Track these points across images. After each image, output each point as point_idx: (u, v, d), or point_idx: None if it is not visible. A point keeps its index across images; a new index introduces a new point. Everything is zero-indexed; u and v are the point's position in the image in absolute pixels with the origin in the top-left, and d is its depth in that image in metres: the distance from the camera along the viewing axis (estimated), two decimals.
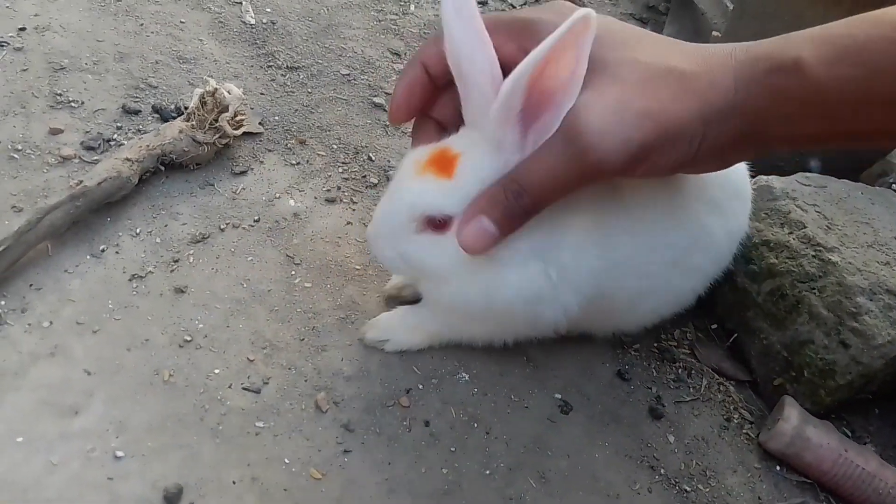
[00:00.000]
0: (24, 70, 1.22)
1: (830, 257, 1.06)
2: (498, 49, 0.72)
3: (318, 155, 1.28)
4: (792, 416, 1.04)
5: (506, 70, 0.70)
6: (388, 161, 1.32)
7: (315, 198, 1.20)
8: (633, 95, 0.69)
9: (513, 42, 0.74)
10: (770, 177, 1.18)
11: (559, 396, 1.03)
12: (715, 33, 1.73)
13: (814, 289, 1.06)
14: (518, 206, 0.75)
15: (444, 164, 0.78)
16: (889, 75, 0.66)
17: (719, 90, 0.70)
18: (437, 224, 0.80)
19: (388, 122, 1.40)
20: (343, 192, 1.23)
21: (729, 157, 0.78)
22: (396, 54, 1.60)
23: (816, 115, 0.70)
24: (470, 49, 0.71)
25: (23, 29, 1.29)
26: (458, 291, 0.85)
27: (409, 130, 1.39)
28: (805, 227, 1.09)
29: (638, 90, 0.69)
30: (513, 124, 0.72)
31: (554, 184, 0.73)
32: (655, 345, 1.15)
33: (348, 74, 1.49)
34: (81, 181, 0.99)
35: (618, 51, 0.71)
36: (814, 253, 1.07)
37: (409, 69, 0.82)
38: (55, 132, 1.13)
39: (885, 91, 0.66)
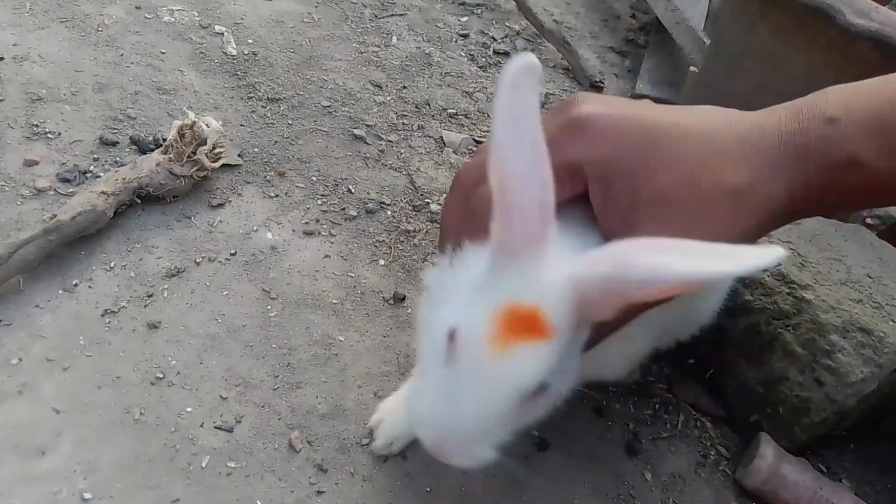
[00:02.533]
0: (1, 100, 1.21)
1: (804, 295, 1.07)
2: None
3: (297, 187, 1.28)
4: (767, 453, 1.04)
5: None
6: (368, 193, 1.32)
7: (293, 230, 1.19)
8: (695, 229, 0.63)
9: (563, 191, 0.66)
10: None
11: (536, 433, 1.03)
12: (692, 68, 1.76)
13: (788, 326, 1.07)
14: None
15: (531, 326, 0.62)
16: None
17: (773, 203, 0.66)
18: (541, 387, 0.65)
19: (367, 155, 1.40)
20: (322, 224, 1.22)
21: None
22: (378, 86, 1.61)
23: (875, 196, 0.69)
24: (521, 166, 0.58)
25: (1, 59, 1.29)
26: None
27: (391, 163, 1.41)
28: (779, 265, 1.10)
29: (698, 222, 0.64)
30: (600, 302, 0.61)
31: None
32: (633, 379, 1.15)
33: (329, 106, 1.49)
34: (55, 215, 0.98)
35: (673, 172, 0.64)
36: (788, 290, 1.08)
37: (452, 200, 0.74)
38: (30, 164, 1.12)
39: None
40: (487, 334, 0.61)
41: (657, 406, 1.13)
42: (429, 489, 0.91)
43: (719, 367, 1.16)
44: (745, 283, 1.12)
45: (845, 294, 1.08)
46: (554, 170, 0.59)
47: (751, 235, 0.68)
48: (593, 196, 0.67)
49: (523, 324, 0.61)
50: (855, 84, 0.71)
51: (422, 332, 0.72)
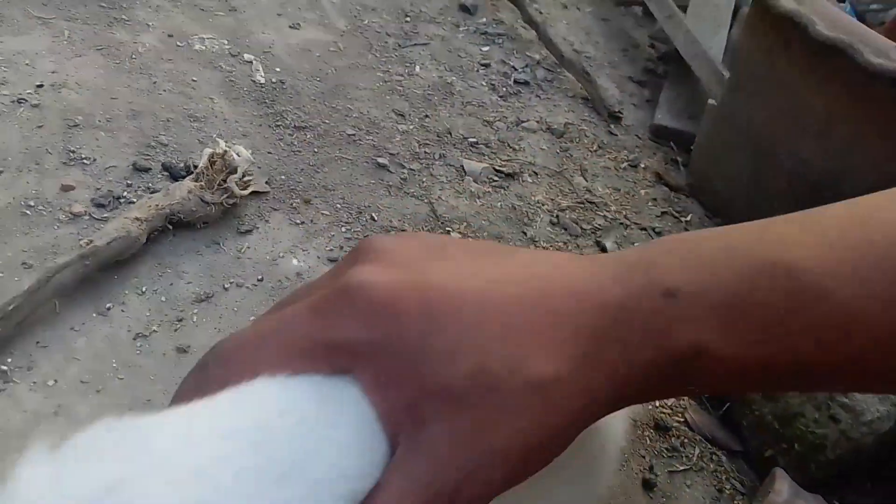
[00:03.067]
0: (40, 126, 1.26)
1: None
2: None
3: (322, 214, 1.31)
4: (783, 489, 1.05)
5: None
6: (390, 221, 1.35)
7: (318, 257, 1.22)
8: (493, 428, 0.51)
9: None
10: None
11: None
12: (710, 101, 1.78)
13: None
14: None
15: None
16: None
17: (593, 393, 0.41)
18: None
19: (390, 183, 1.44)
20: (346, 251, 1.25)
21: None
22: (401, 115, 1.64)
23: (728, 386, 0.55)
24: None
25: (40, 86, 1.34)
26: None
27: (413, 191, 1.44)
28: None
29: (495, 421, 0.50)
30: None
31: None
32: (649, 412, 1.17)
33: (353, 135, 1.53)
34: (91, 240, 1.02)
35: (461, 359, 0.38)
36: None
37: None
38: (67, 189, 1.17)
39: None
40: None
41: (673, 439, 1.14)
42: None
43: (736, 402, 1.18)
44: None
45: None
46: (314, 348, 0.48)
47: (564, 433, 0.54)
48: (367, 386, 0.50)
49: None
50: (697, 238, 0.54)
51: None
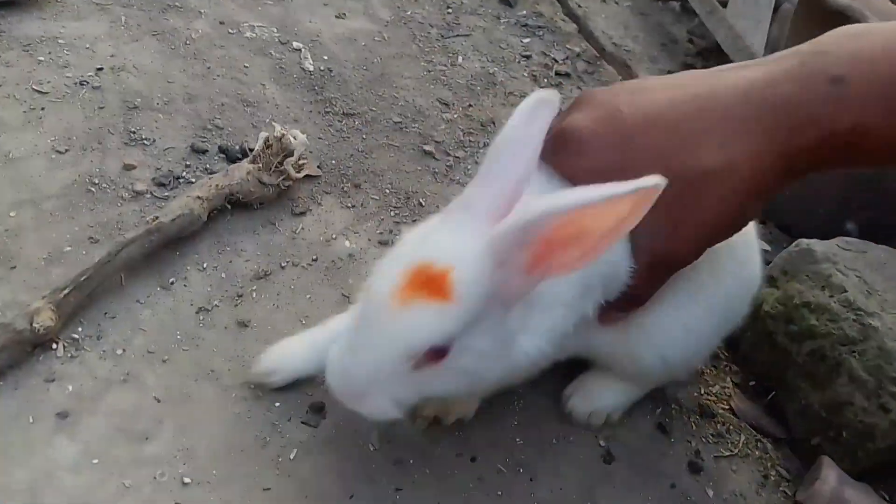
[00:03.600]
0: (102, 108, 1.29)
1: (871, 322, 1.08)
2: None
3: (372, 199, 1.33)
4: (830, 476, 1.05)
5: None
6: (437, 207, 1.36)
7: (369, 240, 1.25)
8: (679, 215, 0.67)
9: None
10: (811, 240, 1.21)
11: (602, 444, 1.06)
12: None
13: (854, 352, 1.08)
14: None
15: (434, 286, 0.64)
16: None
17: (762, 175, 0.66)
18: (437, 354, 0.68)
19: (436, 170, 1.46)
20: (395, 234, 1.28)
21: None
22: (445, 104, 1.66)
23: (877, 158, 0.67)
24: (512, 166, 0.67)
25: (100, 69, 1.37)
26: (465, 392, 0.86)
27: (458, 178, 1.46)
28: (846, 292, 1.12)
29: (680, 207, 0.66)
30: (530, 248, 0.64)
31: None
32: (695, 399, 1.17)
33: (400, 122, 1.55)
34: (157, 217, 1.05)
35: (647, 165, 0.64)
36: (854, 317, 1.10)
37: None
38: (129, 168, 1.20)
39: None
40: (391, 290, 0.65)
41: (719, 426, 1.15)
42: (500, 493, 0.95)
43: (782, 390, 1.18)
44: (811, 308, 1.14)
45: None
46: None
47: (739, 215, 0.67)
48: None
49: (427, 283, 0.64)
50: (860, 32, 0.66)
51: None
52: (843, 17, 1.38)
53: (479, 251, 0.65)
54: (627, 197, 0.59)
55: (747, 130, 0.64)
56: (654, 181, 0.58)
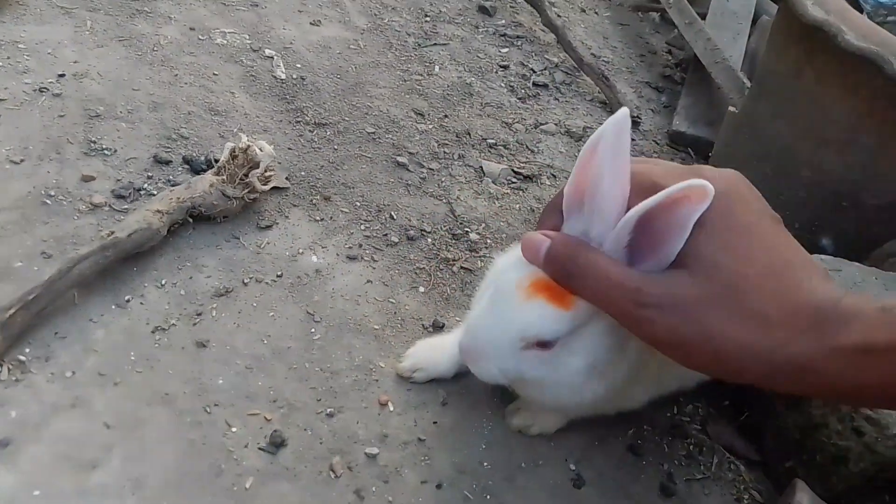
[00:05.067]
0: (62, 116, 1.25)
1: None
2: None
3: (342, 211, 1.30)
4: (803, 500, 1.03)
5: None
6: (409, 220, 1.34)
7: (337, 254, 1.21)
8: (705, 310, 0.71)
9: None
10: None
11: (573, 469, 1.03)
12: (731, 108, 1.77)
13: None
14: (566, 277, 0.79)
15: (558, 293, 0.79)
16: None
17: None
18: (544, 344, 0.83)
19: (409, 182, 1.43)
20: (364, 249, 1.24)
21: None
22: (420, 114, 1.63)
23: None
24: (611, 183, 0.75)
25: (62, 75, 1.33)
26: (554, 395, 0.91)
27: (432, 191, 1.43)
28: None
29: (712, 307, 0.71)
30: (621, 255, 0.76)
31: (604, 307, 0.77)
32: (668, 419, 1.15)
33: (373, 133, 1.52)
34: (113, 231, 1.01)
35: (730, 254, 0.72)
36: None
37: (547, 216, 0.86)
38: (87, 179, 1.16)
39: None
40: (520, 283, 0.81)
41: (692, 447, 1.13)
42: None
43: (755, 411, 1.16)
44: None
45: None
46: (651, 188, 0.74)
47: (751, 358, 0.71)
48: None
49: (550, 288, 0.79)
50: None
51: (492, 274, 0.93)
52: (821, 32, 1.36)
53: None
54: (681, 192, 0.70)
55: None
56: (700, 183, 0.70)
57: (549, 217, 0.85)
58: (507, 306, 0.82)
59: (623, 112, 0.76)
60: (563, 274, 0.79)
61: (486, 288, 0.92)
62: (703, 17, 2.32)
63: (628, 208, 0.74)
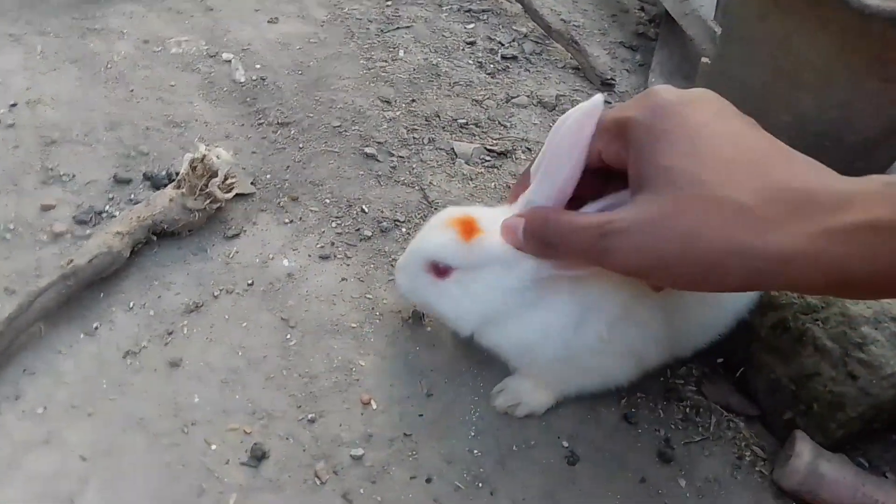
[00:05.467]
0: (16, 147, 1.23)
1: None
2: (603, 150, 0.78)
3: (311, 211, 1.28)
4: (804, 451, 1.01)
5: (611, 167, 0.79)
6: (382, 212, 1.31)
7: (309, 256, 1.19)
8: (673, 219, 0.67)
9: (614, 144, 0.77)
10: None
11: (566, 445, 1.01)
12: (704, 59, 1.73)
13: (817, 320, 1.04)
14: (546, 246, 0.81)
15: (466, 228, 0.90)
16: None
17: (779, 238, 0.65)
18: (440, 270, 0.93)
19: (380, 173, 1.40)
20: (337, 247, 1.22)
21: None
22: (387, 102, 1.60)
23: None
24: (567, 160, 0.79)
25: (14, 105, 1.31)
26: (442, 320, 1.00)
27: (404, 179, 1.41)
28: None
29: (680, 214, 0.67)
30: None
31: (582, 258, 0.77)
32: (661, 383, 1.13)
33: (339, 126, 1.49)
34: (72, 259, 0.99)
35: (689, 157, 0.68)
36: None
37: (519, 185, 0.89)
38: (47, 208, 1.14)
39: None
40: (444, 219, 0.93)
41: (688, 409, 1.11)
42: None
43: (748, 366, 1.14)
44: None
45: None
46: (607, 122, 0.77)
47: (731, 256, 0.66)
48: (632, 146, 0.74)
49: (463, 224, 0.90)
50: None
51: None
52: None
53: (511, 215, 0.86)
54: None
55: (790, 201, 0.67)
56: (597, 99, 0.76)
57: (519, 186, 0.86)
58: (426, 232, 0.95)
59: (594, 101, 0.78)
60: (543, 244, 0.79)
61: None
62: None
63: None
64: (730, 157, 0.67)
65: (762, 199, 0.65)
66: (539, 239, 0.80)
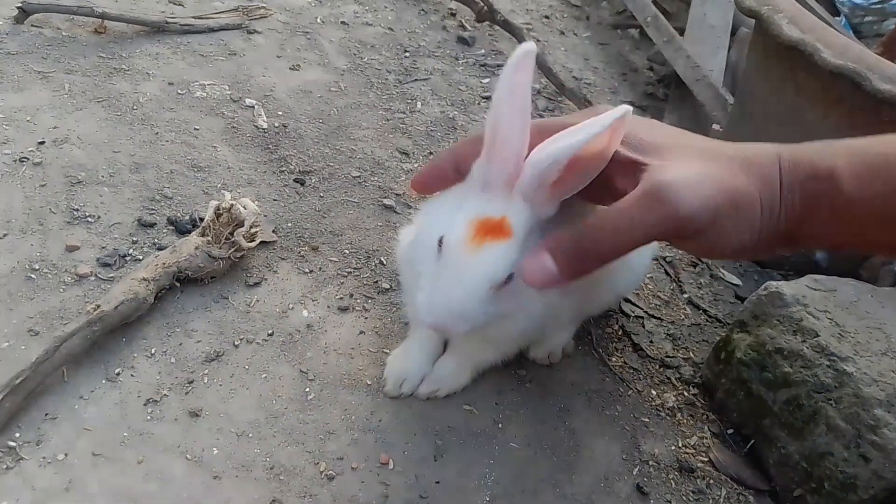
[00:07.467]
0: (43, 185, 1.24)
1: (845, 367, 1.05)
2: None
3: (331, 261, 1.29)
4: None
5: None
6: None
7: (328, 307, 1.20)
8: (708, 168, 0.75)
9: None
10: (779, 282, 1.18)
11: None
12: (715, 126, 1.77)
13: (830, 400, 1.05)
14: (592, 250, 0.79)
15: (497, 230, 0.84)
16: None
17: (773, 183, 0.76)
18: (511, 276, 0.86)
19: (398, 224, 1.42)
20: (356, 299, 1.23)
21: (769, 249, 0.82)
22: (405, 153, 1.63)
23: (844, 224, 0.76)
24: (510, 127, 0.80)
25: (42, 143, 1.32)
26: (528, 316, 0.96)
27: None
28: (818, 336, 1.10)
29: (711, 165, 0.76)
30: (545, 187, 0.83)
31: (633, 234, 0.77)
32: (673, 453, 1.14)
33: (359, 176, 1.51)
34: (98, 305, 1.00)
35: (677, 138, 0.81)
36: (828, 363, 1.07)
37: (443, 156, 0.92)
38: (72, 249, 1.15)
39: None
40: (464, 239, 0.84)
41: (699, 481, 1.11)
42: None
43: (760, 439, 1.15)
44: (784, 354, 1.11)
45: (887, 366, 1.06)
46: (554, 126, 0.80)
47: (761, 198, 0.75)
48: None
49: (492, 230, 0.84)
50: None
51: (415, 250, 0.94)
52: (798, 51, 1.37)
53: (515, 199, 0.84)
54: (609, 129, 0.76)
55: (759, 153, 0.79)
56: (623, 109, 0.75)
57: (465, 147, 0.90)
58: (463, 264, 0.84)
59: (524, 47, 0.78)
60: (583, 265, 0.79)
61: (411, 268, 0.95)
62: (682, 31, 2.33)
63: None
64: (702, 146, 0.80)
65: (744, 155, 0.77)
66: (579, 262, 0.78)
